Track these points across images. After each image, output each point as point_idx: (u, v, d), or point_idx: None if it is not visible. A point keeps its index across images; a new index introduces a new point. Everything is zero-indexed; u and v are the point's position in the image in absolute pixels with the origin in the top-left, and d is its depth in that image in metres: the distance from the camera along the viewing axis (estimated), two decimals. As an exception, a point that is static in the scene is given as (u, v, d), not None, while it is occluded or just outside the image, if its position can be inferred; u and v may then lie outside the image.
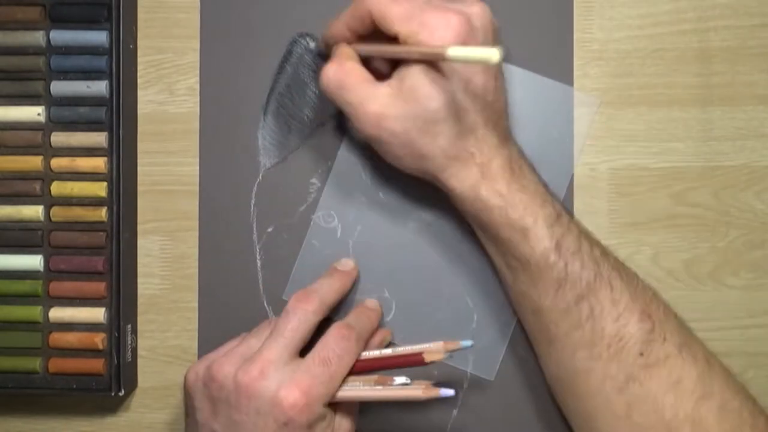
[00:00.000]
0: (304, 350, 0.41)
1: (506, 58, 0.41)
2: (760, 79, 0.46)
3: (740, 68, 0.46)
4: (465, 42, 0.38)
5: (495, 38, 0.40)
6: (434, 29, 0.38)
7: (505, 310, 0.46)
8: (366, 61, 0.42)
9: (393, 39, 0.40)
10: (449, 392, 0.40)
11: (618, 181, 0.47)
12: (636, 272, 0.42)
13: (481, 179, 0.40)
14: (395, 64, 0.41)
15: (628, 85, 0.47)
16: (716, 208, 0.46)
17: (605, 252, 0.41)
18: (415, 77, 0.39)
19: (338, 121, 0.47)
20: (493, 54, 0.35)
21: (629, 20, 0.47)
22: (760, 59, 0.46)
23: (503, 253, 0.42)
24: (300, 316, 0.41)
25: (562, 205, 0.42)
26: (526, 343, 0.45)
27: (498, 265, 0.43)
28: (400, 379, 0.41)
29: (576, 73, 0.47)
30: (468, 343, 0.41)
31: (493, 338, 0.46)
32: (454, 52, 0.36)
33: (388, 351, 0.42)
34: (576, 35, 0.47)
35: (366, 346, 0.43)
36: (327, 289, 0.43)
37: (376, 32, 0.41)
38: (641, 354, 0.39)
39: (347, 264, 0.46)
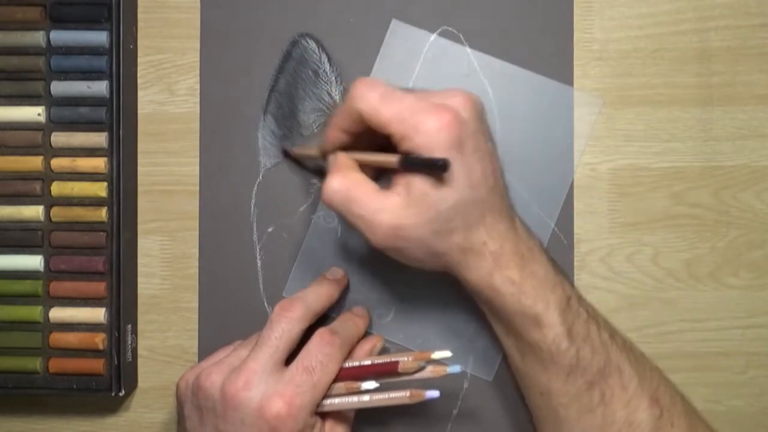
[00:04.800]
0: (292, 356, 0.41)
1: (496, 153, 0.41)
2: (760, 79, 0.46)
3: (740, 68, 0.46)
4: (456, 142, 0.38)
5: (484, 119, 0.40)
6: (428, 133, 0.37)
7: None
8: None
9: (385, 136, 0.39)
10: (434, 394, 0.40)
11: (618, 181, 0.47)
12: (642, 352, 0.42)
13: (495, 267, 0.40)
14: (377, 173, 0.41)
15: (628, 85, 0.47)
16: (716, 208, 0.47)
17: (613, 334, 0.41)
18: (422, 183, 0.38)
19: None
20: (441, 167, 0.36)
21: (629, 20, 0.47)
22: (760, 59, 0.46)
23: (514, 338, 0.41)
24: (284, 325, 0.41)
25: (570, 284, 0.41)
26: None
27: (507, 347, 0.42)
28: (367, 385, 0.41)
29: (576, 73, 0.47)
30: (456, 368, 0.41)
31: (492, 339, 0.46)
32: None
33: (370, 360, 0.42)
34: (576, 35, 0.47)
35: (353, 353, 0.43)
36: (313, 297, 0.43)
37: (369, 129, 0.40)
38: None
39: (337, 272, 0.46)
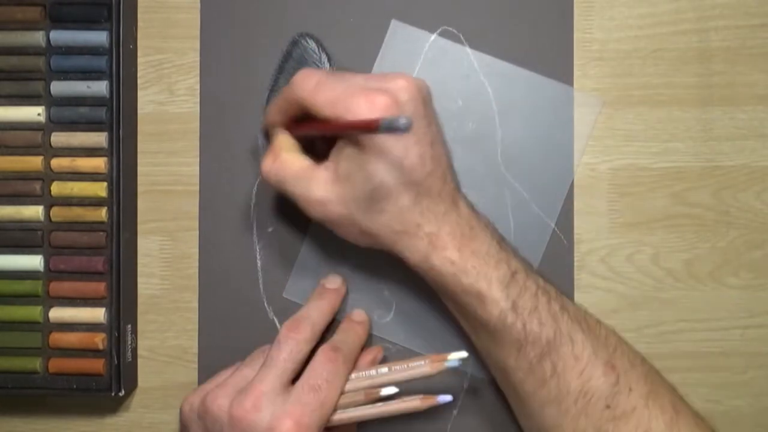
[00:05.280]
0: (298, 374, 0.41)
1: (441, 136, 0.41)
2: (760, 79, 0.46)
3: (740, 68, 0.46)
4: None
5: (428, 104, 0.40)
6: (359, 113, 0.38)
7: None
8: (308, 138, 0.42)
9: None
10: (447, 398, 0.41)
11: (618, 181, 0.47)
12: (598, 319, 0.42)
13: (432, 249, 0.40)
14: (333, 139, 0.41)
15: (628, 85, 0.47)
16: (716, 208, 0.47)
17: (564, 305, 0.41)
18: (350, 160, 0.39)
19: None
20: (401, 124, 0.34)
21: (629, 20, 0.47)
22: (760, 59, 0.46)
23: (463, 316, 0.42)
24: (292, 346, 0.41)
25: (520, 260, 0.41)
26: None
27: (462, 326, 0.43)
28: (387, 390, 0.41)
29: (576, 73, 0.47)
30: (455, 362, 0.41)
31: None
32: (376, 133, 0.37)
33: (382, 371, 0.42)
34: (576, 35, 0.47)
35: (357, 365, 0.43)
36: (317, 314, 0.43)
37: (310, 115, 0.40)
38: (608, 407, 0.39)
39: (335, 281, 0.46)
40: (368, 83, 0.39)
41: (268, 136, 0.45)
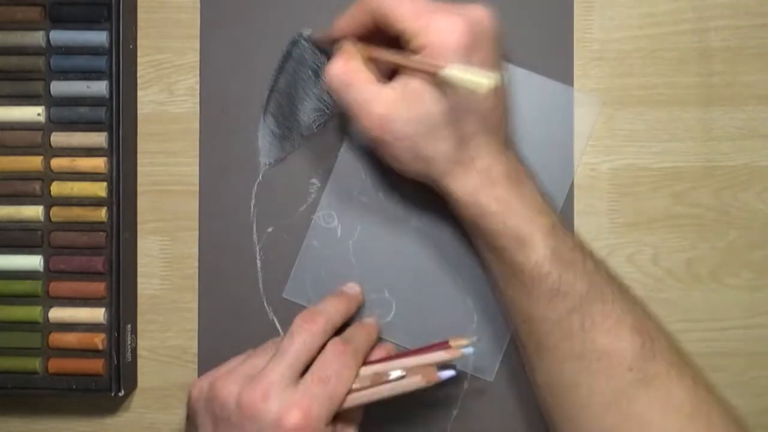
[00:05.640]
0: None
1: (505, 79, 0.41)
2: (760, 79, 0.46)
3: (740, 68, 0.46)
4: (467, 48, 0.38)
5: (497, 46, 0.40)
6: (440, 32, 0.38)
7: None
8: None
9: (393, 42, 0.40)
10: (450, 373, 0.40)
11: (618, 181, 0.47)
12: (629, 286, 0.42)
13: (481, 185, 0.40)
14: (391, 73, 0.41)
15: (628, 85, 0.47)
16: (716, 208, 0.47)
17: (599, 264, 0.41)
18: (420, 82, 0.39)
19: (339, 121, 0.47)
20: (482, 84, 0.35)
21: (629, 20, 0.47)
22: (760, 59, 0.46)
23: (498, 260, 0.42)
24: (306, 338, 0.41)
25: (559, 217, 0.42)
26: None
27: (492, 271, 0.43)
28: (395, 373, 0.41)
29: (576, 73, 0.47)
30: (470, 349, 0.41)
31: (493, 338, 0.46)
32: (449, 72, 0.37)
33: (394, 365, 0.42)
34: (576, 35, 0.47)
35: (368, 360, 0.43)
36: (333, 311, 0.43)
37: (376, 35, 0.41)
38: (630, 369, 0.39)
39: (354, 288, 0.46)
40: (449, 7, 0.39)
41: (325, 51, 0.44)
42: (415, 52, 0.39)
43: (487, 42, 0.39)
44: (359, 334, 0.44)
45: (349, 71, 0.40)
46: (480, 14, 0.39)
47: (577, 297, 0.39)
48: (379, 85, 0.40)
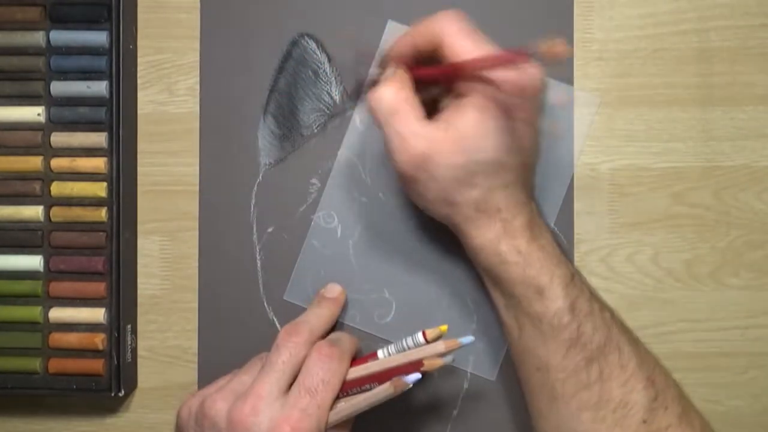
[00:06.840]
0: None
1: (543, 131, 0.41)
2: (760, 79, 0.46)
3: (740, 68, 0.46)
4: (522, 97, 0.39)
5: (542, 100, 0.40)
6: (502, 75, 0.38)
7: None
8: None
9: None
10: (416, 377, 0.40)
11: (618, 181, 0.47)
12: (638, 337, 0.42)
13: (503, 234, 0.40)
14: (433, 109, 0.40)
15: (628, 85, 0.47)
16: (716, 208, 0.47)
17: (614, 315, 0.41)
18: (469, 127, 0.38)
19: (339, 121, 0.47)
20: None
21: (629, 20, 0.47)
22: (760, 59, 0.46)
23: (514, 309, 0.41)
24: (291, 350, 0.41)
25: (575, 267, 0.42)
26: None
27: (505, 319, 0.42)
28: (412, 377, 0.40)
29: (576, 73, 0.47)
30: (469, 339, 0.41)
31: (494, 338, 0.46)
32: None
33: (376, 364, 0.41)
34: (576, 35, 0.47)
35: (355, 362, 0.42)
36: (316, 320, 0.43)
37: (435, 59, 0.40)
38: (644, 421, 0.39)
39: (334, 289, 0.46)
40: (506, 53, 0.38)
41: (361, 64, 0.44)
42: (461, 95, 0.39)
43: (538, 99, 0.39)
44: (345, 334, 0.44)
45: (400, 100, 0.39)
46: (533, 73, 0.39)
47: (596, 347, 0.39)
48: (424, 121, 0.39)
